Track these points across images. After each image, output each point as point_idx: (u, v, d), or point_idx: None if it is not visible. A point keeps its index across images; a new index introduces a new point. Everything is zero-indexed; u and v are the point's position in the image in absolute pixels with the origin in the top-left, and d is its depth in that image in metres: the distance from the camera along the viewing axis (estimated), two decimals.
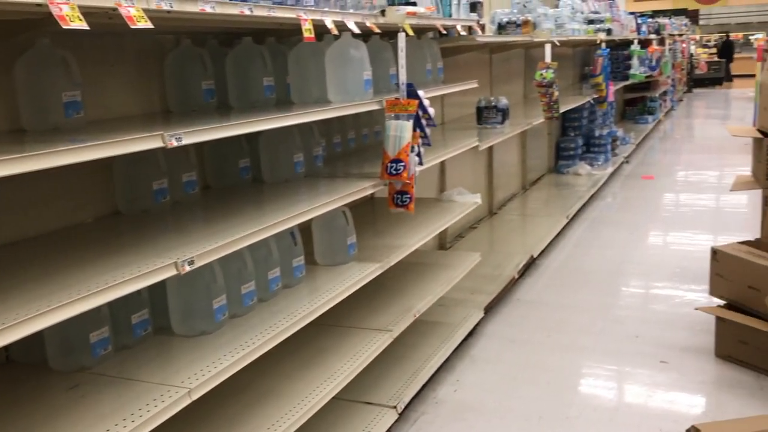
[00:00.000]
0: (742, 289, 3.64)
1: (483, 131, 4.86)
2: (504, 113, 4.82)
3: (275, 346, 2.32)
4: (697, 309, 3.73)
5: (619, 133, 9.41)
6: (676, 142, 12.06)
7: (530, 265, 5.35)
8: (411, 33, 2.97)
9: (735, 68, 21.39)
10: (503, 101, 4.82)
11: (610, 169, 8.35)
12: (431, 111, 2.85)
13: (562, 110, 6.71)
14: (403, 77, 2.83)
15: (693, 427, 2.55)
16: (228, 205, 2.65)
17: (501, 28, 5.19)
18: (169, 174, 2.55)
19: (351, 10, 2.68)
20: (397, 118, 2.77)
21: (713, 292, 3.84)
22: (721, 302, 3.80)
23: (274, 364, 2.75)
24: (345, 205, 2.77)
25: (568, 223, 6.54)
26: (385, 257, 3.01)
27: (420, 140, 2.85)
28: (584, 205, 7.17)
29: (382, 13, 2.81)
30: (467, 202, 4.02)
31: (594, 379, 3.63)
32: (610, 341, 4.07)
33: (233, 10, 2.11)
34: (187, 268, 1.90)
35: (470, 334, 4.15)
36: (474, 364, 3.84)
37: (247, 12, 2.15)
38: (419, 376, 3.33)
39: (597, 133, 8.73)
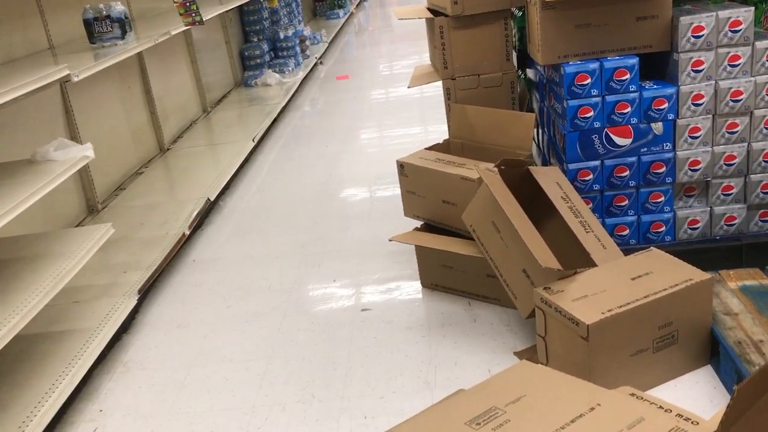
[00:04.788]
0: (437, 204, 3.00)
1: (100, 51, 3.60)
2: (122, 24, 3.58)
3: None
4: (391, 240, 3.03)
5: (307, 32, 8.59)
6: (373, 35, 11.63)
7: (209, 211, 4.35)
8: None
9: None
10: (117, 8, 3.57)
11: (301, 74, 7.53)
12: None
13: (217, 12, 5.66)
14: None
15: None
16: None
17: None
18: None
19: None
20: None
21: (407, 212, 3.17)
22: (419, 223, 3.15)
23: None
24: None
25: (258, 146, 5.61)
26: None
27: None
28: (276, 121, 6.27)
29: None
30: (72, 157, 2.83)
31: (281, 361, 2.76)
32: (303, 294, 3.27)
33: None
34: None
35: (125, 330, 3.10)
36: (127, 376, 2.80)
37: None
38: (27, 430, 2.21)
39: (282, 35, 7.80)
